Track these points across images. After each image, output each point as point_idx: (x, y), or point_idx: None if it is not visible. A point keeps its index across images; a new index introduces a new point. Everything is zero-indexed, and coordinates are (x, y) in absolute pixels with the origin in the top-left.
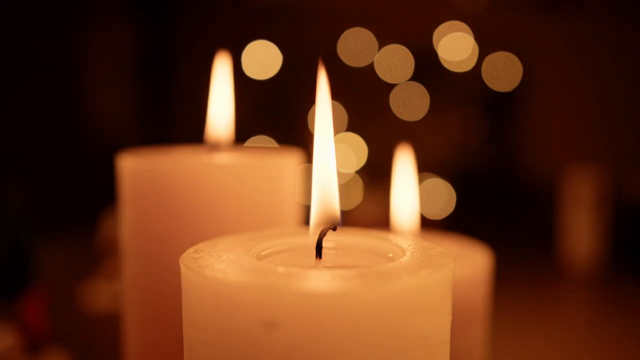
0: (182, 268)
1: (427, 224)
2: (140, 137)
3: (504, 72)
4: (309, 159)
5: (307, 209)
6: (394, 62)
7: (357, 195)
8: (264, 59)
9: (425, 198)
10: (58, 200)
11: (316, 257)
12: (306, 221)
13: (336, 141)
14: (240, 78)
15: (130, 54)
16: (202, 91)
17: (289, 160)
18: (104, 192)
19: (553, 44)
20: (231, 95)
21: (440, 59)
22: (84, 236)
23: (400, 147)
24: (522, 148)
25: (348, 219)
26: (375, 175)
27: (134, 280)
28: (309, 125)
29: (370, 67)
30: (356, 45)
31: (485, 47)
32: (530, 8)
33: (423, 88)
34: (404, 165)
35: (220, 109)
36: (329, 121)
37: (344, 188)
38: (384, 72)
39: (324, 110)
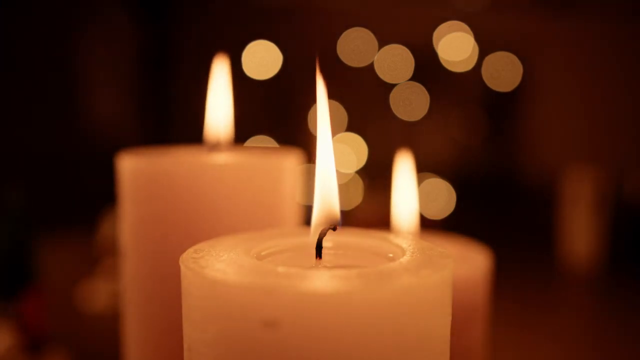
0: (182, 268)
1: (427, 224)
2: (140, 137)
3: (504, 72)
4: (309, 159)
5: (307, 209)
6: (394, 62)
7: (357, 195)
8: (264, 59)
9: (425, 198)
10: (58, 200)
11: (316, 257)
12: (307, 221)
13: (336, 141)
14: (240, 78)
15: (130, 53)
16: (202, 91)
17: (289, 160)
18: (103, 192)
19: (553, 43)
20: (230, 97)
21: (440, 59)
22: (84, 236)
23: (400, 149)
24: (522, 148)
25: (348, 219)
26: (375, 175)
27: (133, 280)
28: (309, 125)
29: (370, 67)
30: (356, 45)
31: (485, 47)
32: (531, 8)
33: (423, 88)
34: (404, 166)
35: (219, 110)
36: (327, 122)
37: (344, 188)
38: (384, 72)
39: (322, 112)
